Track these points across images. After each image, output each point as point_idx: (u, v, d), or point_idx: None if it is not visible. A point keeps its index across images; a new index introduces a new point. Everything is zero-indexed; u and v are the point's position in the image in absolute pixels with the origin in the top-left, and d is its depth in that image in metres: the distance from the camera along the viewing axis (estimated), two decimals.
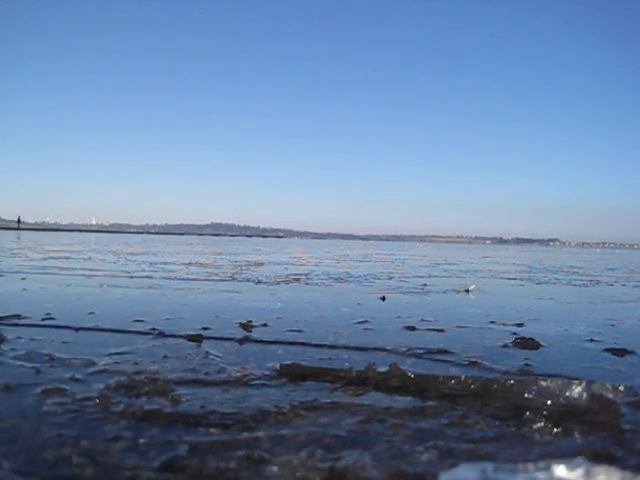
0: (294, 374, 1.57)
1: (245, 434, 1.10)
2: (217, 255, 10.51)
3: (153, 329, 2.23)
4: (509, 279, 6.34)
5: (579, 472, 0.74)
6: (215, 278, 4.98)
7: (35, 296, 3.34)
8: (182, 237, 48.65)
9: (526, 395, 1.38)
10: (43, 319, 2.41)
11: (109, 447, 1.01)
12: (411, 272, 6.90)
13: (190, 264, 7.07)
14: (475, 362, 1.82)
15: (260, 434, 1.10)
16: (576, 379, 1.40)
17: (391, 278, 5.74)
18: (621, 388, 1.32)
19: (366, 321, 2.68)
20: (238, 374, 1.56)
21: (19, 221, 52.44)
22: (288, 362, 1.66)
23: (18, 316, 2.45)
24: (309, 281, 5.01)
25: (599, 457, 1.02)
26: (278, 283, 4.69)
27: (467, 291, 4.48)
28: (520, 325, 2.74)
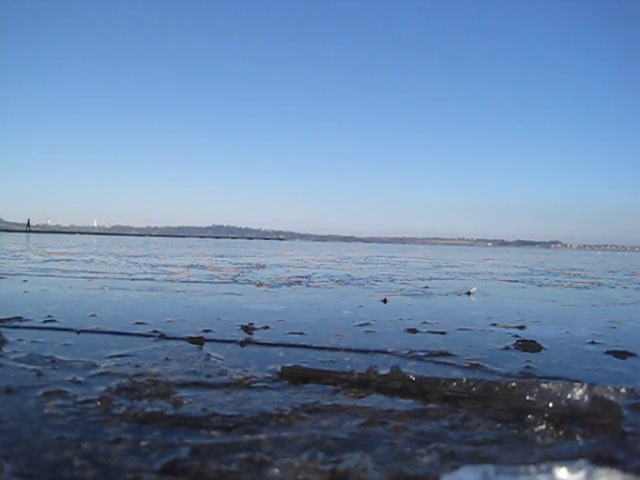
0: (295, 376, 1.57)
1: (247, 436, 1.10)
2: (218, 257, 10.51)
3: (154, 331, 2.23)
4: (510, 281, 6.33)
5: (581, 474, 0.74)
6: (216, 280, 4.98)
7: (36, 298, 3.34)
8: (183, 239, 48.68)
9: (527, 397, 1.38)
10: (44, 321, 2.41)
11: (110, 449, 1.01)
12: (412, 274, 6.90)
13: (191, 266, 7.08)
14: (476, 364, 1.82)
15: (262, 436, 1.10)
16: (578, 381, 1.40)
17: (392, 280, 5.74)
18: (623, 390, 1.32)
19: (367, 323, 2.68)
20: (239, 376, 1.56)
21: (29, 224, 53.23)
22: (290, 364, 1.67)
23: (20, 318, 2.45)
24: (310, 283, 5.01)
25: (601, 460, 1.02)
26: (279, 285, 4.70)
27: (468, 293, 4.48)
28: (521, 327, 2.74)
